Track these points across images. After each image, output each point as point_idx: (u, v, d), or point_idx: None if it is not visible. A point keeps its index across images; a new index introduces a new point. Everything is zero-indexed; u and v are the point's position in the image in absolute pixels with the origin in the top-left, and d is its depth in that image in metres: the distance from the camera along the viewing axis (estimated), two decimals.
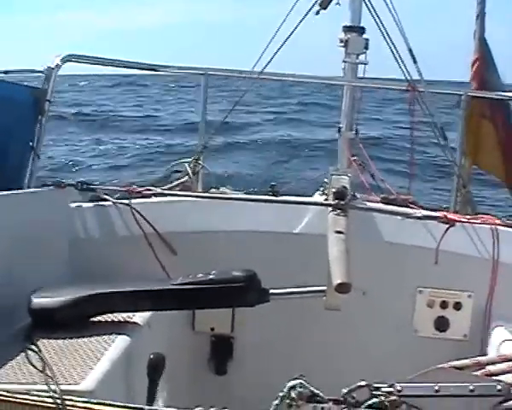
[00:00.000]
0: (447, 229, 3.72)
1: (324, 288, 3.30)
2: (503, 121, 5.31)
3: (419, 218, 3.79)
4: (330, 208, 3.63)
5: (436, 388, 1.85)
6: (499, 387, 1.87)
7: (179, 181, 4.31)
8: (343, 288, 2.86)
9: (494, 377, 2.09)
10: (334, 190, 3.72)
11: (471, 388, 1.85)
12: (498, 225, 3.76)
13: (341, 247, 3.16)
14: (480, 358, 2.27)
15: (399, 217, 3.82)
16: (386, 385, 1.86)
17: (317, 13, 4.57)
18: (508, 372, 2.21)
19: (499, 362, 2.29)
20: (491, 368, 2.26)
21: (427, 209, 3.97)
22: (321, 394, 1.85)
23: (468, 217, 3.90)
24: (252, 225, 3.86)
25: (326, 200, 3.85)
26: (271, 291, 3.17)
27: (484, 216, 3.89)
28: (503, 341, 3.34)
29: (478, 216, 3.93)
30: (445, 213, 3.89)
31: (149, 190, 4.04)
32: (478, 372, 2.25)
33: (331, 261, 3.06)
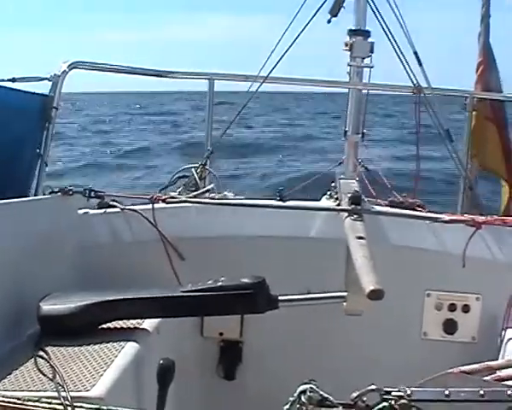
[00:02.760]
0: (474, 232, 3.70)
1: (336, 294, 3.30)
2: (503, 122, 5.35)
3: (446, 222, 3.78)
4: (346, 214, 3.61)
5: (446, 392, 1.85)
6: (510, 392, 1.87)
7: (203, 189, 4.27)
8: (376, 294, 2.85)
9: (504, 383, 2.08)
10: (349, 195, 3.70)
11: (481, 393, 1.85)
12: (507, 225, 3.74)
13: (366, 253, 3.13)
14: (490, 363, 2.26)
15: (428, 222, 3.80)
16: (396, 389, 1.86)
17: (329, 21, 4.57)
18: None
19: (510, 367, 2.28)
20: (501, 373, 2.25)
21: (432, 212, 3.96)
22: (331, 398, 1.85)
23: (494, 219, 3.86)
24: (261, 230, 3.86)
25: (338, 205, 3.84)
26: (281, 298, 3.16)
27: (509, 219, 3.87)
28: None
29: (503, 218, 3.90)
30: (473, 216, 3.86)
31: (172, 197, 4.03)
32: (488, 377, 2.24)
33: (358, 268, 3.03)
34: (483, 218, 3.84)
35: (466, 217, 3.86)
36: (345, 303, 3.31)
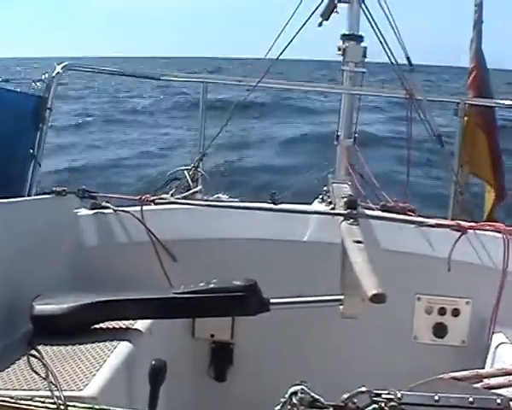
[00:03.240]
0: (459, 237, 3.73)
1: (330, 297, 3.32)
2: (492, 128, 5.38)
3: (432, 226, 3.81)
4: (341, 218, 3.63)
5: (436, 398, 1.87)
6: (499, 401, 1.88)
7: (188, 192, 4.30)
8: (378, 298, 2.86)
9: (494, 391, 2.10)
10: (344, 199, 3.73)
11: (471, 400, 1.87)
12: (510, 232, 3.77)
13: (365, 257, 3.16)
14: (480, 370, 2.29)
15: (412, 225, 3.84)
16: (386, 392, 1.88)
17: (320, 25, 4.60)
18: (508, 386, 2.23)
19: (500, 375, 2.30)
20: (491, 381, 2.27)
21: (424, 217, 3.99)
22: (322, 399, 1.86)
23: (480, 224, 3.91)
24: (253, 233, 3.88)
25: (333, 209, 3.86)
26: (272, 301, 3.19)
27: (496, 225, 3.90)
28: (502, 348, 3.37)
29: (489, 224, 3.94)
30: (458, 221, 3.91)
31: (162, 198, 4.05)
32: (478, 385, 2.26)
33: (358, 271, 3.04)
34: (468, 223, 3.89)
35: (451, 222, 3.90)
36: (341, 307, 3.34)
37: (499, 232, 3.74)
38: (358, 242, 3.30)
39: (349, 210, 3.63)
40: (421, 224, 3.84)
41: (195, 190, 4.32)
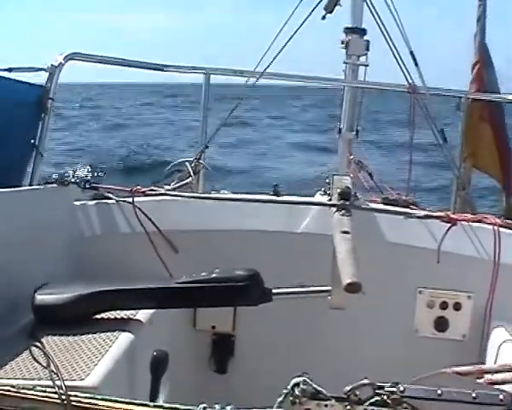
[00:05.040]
0: (449, 228, 3.74)
1: (327, 288, 3.33)
2: (499, 122, 5.35)
3: (421, 217, 3.82)
4: (335, 209, 3.64)
5: (439, 392, 1.87)
6: (501, 397, 1.88)
7: (182, 182, 4.32)
8: (353, 287, 2.87)
9: (497, 386, 2.10)
10: (338, 190, 3.74)
11: (474, 395, 1.86)
12: (500, 225, 3.78)
13: (348, 247, 3.17)
14: (483, 366, 2.29)
15: (401, 217, 3.85)
16: (388, 384, 1.88)
17: (323, 18, 4.57)
18: (511, 382, 2.22)
19: (503, 371, 2.30)
20: (494, 377, 2.27)
21: (428, 210, 3.99)
22: (324, 391, 1.86)
23: (470, 216, 3.92)
24: (254, 224, 3.88)
25: (330, 200, 3.87)
26: (274, 291, 3.19)
27: (486, 216, 3.91)
28: (503, 342, 3.36)
29: (479, 216, 3.95)
30: (447, 212, 3.92)
31: (153, 190, 4.07)
32: (481, 380, 2.26)
33: (339, 261, 3.06)
34: (457, 215, 3.91)
35: (440, 213, 3.90)
36: (329, 297, 3.34)
37: (490, 225, 3.76)
38: (345, 232, 3.31)
39: (342, 201, 3.64)
40: (411, 215, 3.84)
41: (186, 181, 4.32)
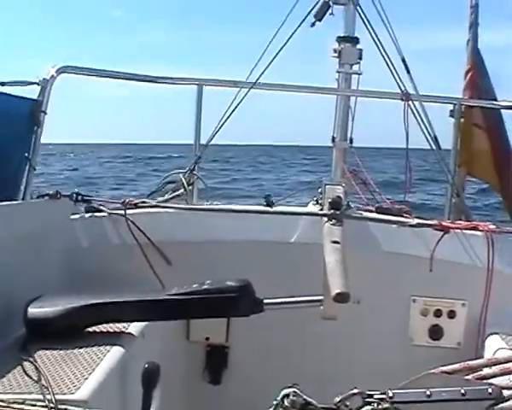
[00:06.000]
0: (442, 236, 3.75)
1: (319, 297, 3.32)
2: (496, 129, 5.34)
3: (413, 226, 3.82)
4: (325, 218, 3.64)
5: (428, 393, 1.87)
6: (490, 390, 1.89)
7: (174, 194, 4.32)
8: (341, 297, 2.88)
9: (485, 381, 2.09)
10: (329, 200, 3.74)
11: (462, 392, 1.87)
12: (493, 231, 3.78)
13: (338, 257, 3.17)
14: (470, 362, 2.28)
15: (394, 225, 3.85)
16: (378, 392, 1.87)
17: (313, 25, 4.58)
18: (498, 375, 2.22)
19: (490, 365, 2.29)
20: (481, 372, 2.26)
21: (420, 218, 3.99)
22: (314, 402, 1.86)
23: (463, 224, 3.92)
24: (246, 235, 3.88)
25: (321, 210, 3.87)
26: (266, 301, 3.18)
27: (479, 223, 3.91)
28: (498, 349, 3.35)
29: (473, 223, 3.95)
30: (440, 220, 3.92)
31: (144, 202, 4.08)
32: (469, 376, 2.25)
33: (328, 271, 3.07)
34: (450, 222, 3.91)
35: (433, 221, 3.91)
36: (321, 307, 3.34)
37: (483, 232, 3.77)
38: (335, 242, 3.31)
39: (332, 211, 3.64)
40: (403, 224, 3.85)
41: (179, 192, 4.32)
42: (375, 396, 1.86)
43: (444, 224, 3.85)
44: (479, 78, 5.36)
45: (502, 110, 5.17)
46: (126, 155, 63.80)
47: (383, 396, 1.85)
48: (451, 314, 3.82)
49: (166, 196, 4.30)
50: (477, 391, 1.89)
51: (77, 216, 3.94)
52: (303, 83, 4.87)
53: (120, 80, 4.63)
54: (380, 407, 1.85)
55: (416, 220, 3.88)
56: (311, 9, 4.53)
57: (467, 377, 2.15)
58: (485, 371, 2.24)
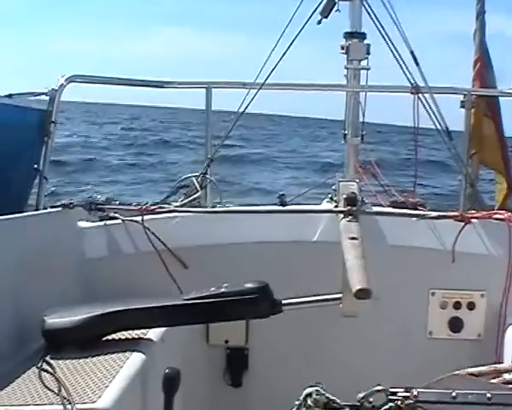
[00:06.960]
0: (463, 227, 3.72)
1: (338, 295, 3.31)
2: (499, 117, 5.36)
3: (434, 218, 3.80)
4: (342, 215, 3.62)
5: (453, 394, 1.84)
6: None
7: (190, 198, 4.30)
8: (363, 294, 2.85)
9: (511, 386, 2.07)
10: (344, 196, 3.72)
11: (488, 396, 1.84)
12: None
13: (357, 253, 3.15)
14: (497, 365, 2.26)
15: (413, 218, 3.83)
16: (402, 390, 1.86)
17: (319, 22, 4.55)
18: None
19: None
20: (508, 376, 2.24)
21: (436, 211, 3.97)
22: (337, 400, 1.84)
23: (484, 213, 3.89)
24: (262, 236, 3.87)
25: (336, 207, 3.85)
26: (284, 302, 3.17)
27: (500, 211, 3.88)
28: None
29: (492, 212, 3.92)
30: (458, 211, 3.89)
31: (162, 207, 4.06)
32: (495, 380, 2.23)
33: (348, 268, 3.04)
34: (473, 213, 3.87)
35: (454, 213, 3.88)
36: (341, 305, 3.32)
37: (503, 221, 3.73)
38: (353, 238, 3.29)
39: (348, 207, 3.63)
40: (423, 216, 3.83)
41: (195, 196, 4.31)
42: (399, 394, 1.84)
43: (464, 215, 3.81)
44: (485, 68, 5.36)
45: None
46: None
47: (407, 394, 1.83)
48: (471, 306, 3.80)
49: (180, 201, 4.28)
50: (504, 396, 1.86)
51: (91, 225, 3.94)
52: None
53: (127, 87, 4.63)
54: (403, 404, 1.83)
55: (436, 213, 3.85)
56: (317, 7, 4.51)
57: (493, 381, 2.13)
58: None
